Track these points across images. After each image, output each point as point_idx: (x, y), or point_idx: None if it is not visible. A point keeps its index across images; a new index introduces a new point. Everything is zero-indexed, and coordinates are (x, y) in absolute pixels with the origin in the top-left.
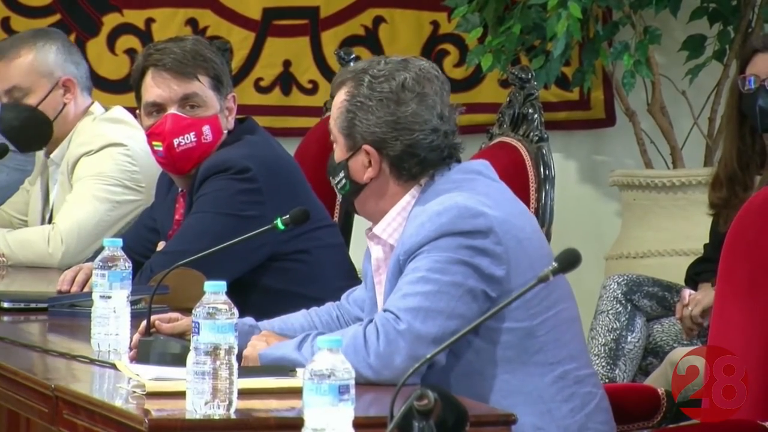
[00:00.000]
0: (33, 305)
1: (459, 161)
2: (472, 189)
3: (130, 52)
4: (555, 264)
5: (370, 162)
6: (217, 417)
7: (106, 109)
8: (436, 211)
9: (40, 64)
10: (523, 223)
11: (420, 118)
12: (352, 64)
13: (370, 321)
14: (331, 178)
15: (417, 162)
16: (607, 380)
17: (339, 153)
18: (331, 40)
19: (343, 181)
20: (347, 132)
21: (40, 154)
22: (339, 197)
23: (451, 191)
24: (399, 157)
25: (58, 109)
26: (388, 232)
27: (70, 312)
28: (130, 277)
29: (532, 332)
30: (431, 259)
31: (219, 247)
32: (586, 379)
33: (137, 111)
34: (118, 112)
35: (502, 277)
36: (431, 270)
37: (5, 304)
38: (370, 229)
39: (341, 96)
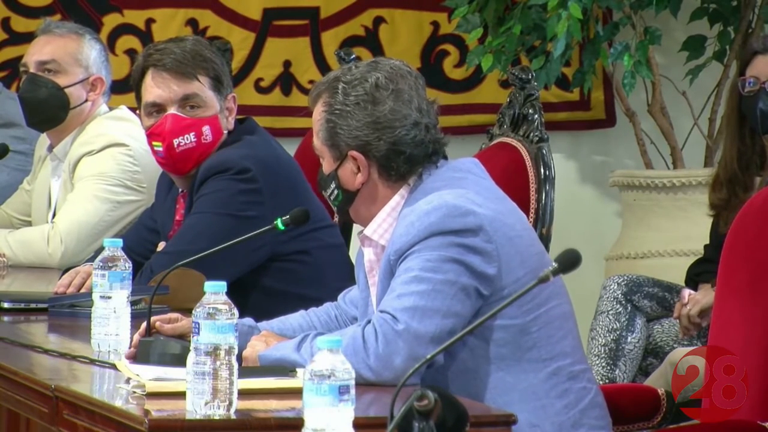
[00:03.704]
0: (33, 305)
1: (446, 157)
2: (461, 187)
3: (130, 53)
4: (555, 264)
5: (358, 168)
6: (217, 417)
7: (111, 110)
8: (424, 211)
9: (82, 53)
10: (513, 221)
11: (399, 114)
12: (351, 64)
13: (368, 322)
14: (323, 191)
15: (404, 160)
16: (607, 380)
17: (327, 165)
18: (331, 40)
19: (336, 191)
20: (331, 142)
21: (39, 153)
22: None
23: (440, 189)
24: (385, 156)
25: (77, 102)
26: (379, 233)
27: (70, 312)
28: (130, 277)
29: (526, 329)
30: (423, 258)
31: (219, 247)
32: (580, 375)
33: (137, 111)
34: (123, 111)
35: (493, 275)
36: (424, 269)
37: (5, 304)
38: (362, 231)
39: (319, 108)
